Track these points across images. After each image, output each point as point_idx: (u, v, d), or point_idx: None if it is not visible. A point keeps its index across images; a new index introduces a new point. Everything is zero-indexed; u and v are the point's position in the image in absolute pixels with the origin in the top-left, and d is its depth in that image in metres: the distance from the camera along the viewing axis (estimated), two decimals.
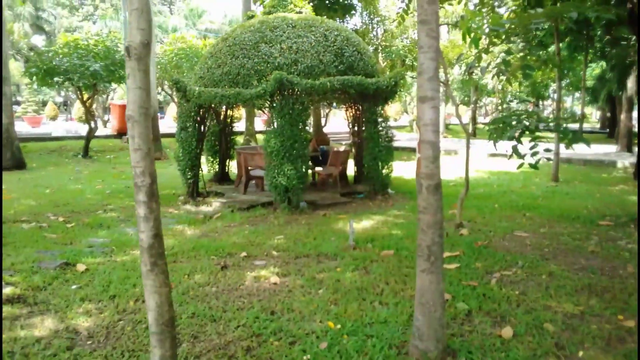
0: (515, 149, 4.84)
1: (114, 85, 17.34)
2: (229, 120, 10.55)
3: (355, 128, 10.01)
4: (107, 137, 19.52)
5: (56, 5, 47.94)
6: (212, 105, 8.80)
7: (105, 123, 25.72)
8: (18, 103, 43.97)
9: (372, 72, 8.71)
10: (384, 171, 8.79)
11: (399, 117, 40.74)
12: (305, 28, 8.26)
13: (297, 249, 5.56)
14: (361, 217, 7.29)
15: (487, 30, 4.67)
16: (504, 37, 4.44)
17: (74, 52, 13.57)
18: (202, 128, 8.88)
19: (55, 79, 13.79)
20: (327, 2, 16.10)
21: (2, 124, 12.58)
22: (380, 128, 8.63)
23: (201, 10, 52.91)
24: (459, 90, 31.50)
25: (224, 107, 10.13)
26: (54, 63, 13.22)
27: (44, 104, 41.67)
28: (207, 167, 10.70)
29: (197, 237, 6.17)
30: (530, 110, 4.78)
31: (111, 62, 13.98)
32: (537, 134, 4.89)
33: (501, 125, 4.62)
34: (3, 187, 10.11)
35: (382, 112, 8.76)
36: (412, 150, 21.28)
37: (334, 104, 11.73)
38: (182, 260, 5.10)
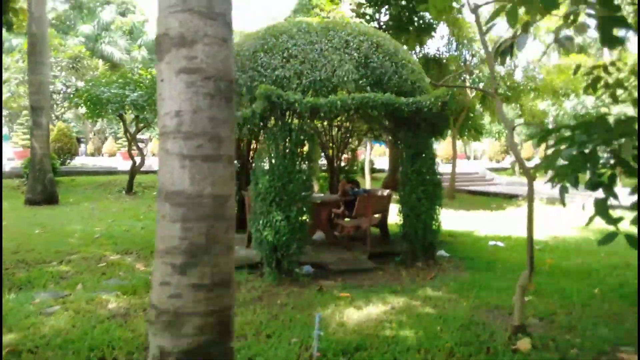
0: (600, 206, 2.31)
1: None
2: (251, 153, 8.86)
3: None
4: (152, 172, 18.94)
5: None
6: None
7: None
8: (118, 138, 47.10)
9: (413, 90, 6.48)
10: (431, 226, 6.40)
11: (502, 158, 36.68)
12: (321, 32, 6.36)
13: None
14: (371, 297, 4.98)
15: None
16: None
17: (115, 81, 13.02)
18: None
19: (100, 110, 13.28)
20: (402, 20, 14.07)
21: (36, 155, 12.18)
22: (423, 168, 6.31)
23: None
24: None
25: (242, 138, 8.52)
26: (96, 93, 12.69)
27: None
28: None
29: (98, 320, 4.27)
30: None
31: (154, 92, 13.18)
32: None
33: (562, 155, 2.22)
34: (3, 223, 9.30)
35: (428, 145, 6.46)
36: (509, 197, 17.83)
37: (378, 137, 9.55)
38: None
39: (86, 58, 21.74)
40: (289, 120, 5.69)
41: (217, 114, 0.93)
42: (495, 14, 2.69)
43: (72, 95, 15.68)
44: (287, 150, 5.60)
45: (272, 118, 5.73)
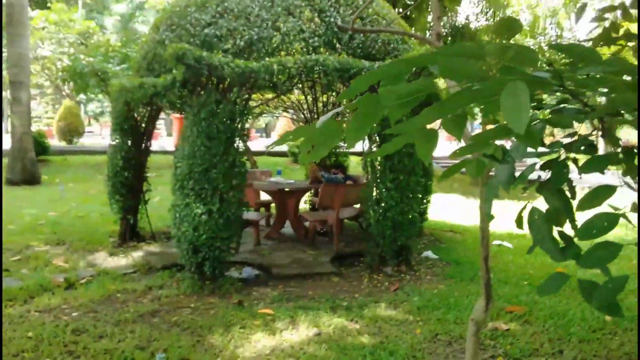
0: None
1: None
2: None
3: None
4: (166, 152, 18.34)
5: None
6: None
7: None
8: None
9: (387, 53, 5.28)
10: (404, 224, 5.24)
11: None
12: None
13: None
14: (299, 316, 3.94)
15: None
16: None
17: (101, 54, 12.32)
18: (136, 140, 6.30)
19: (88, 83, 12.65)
20: None
21: (15, 133, 11.67)
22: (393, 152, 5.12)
23: None
24: None
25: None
26: (79, 67, 12.03)
27: None
28: None
29: None
30: None
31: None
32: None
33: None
34: None
35: None
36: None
37: None
38: None
39: (96, 34, 21.27)
40: (218, 91, 4.65)
41: None
42: None
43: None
44: (212, 129, 4.56)
45: (199, 87, 4.71)
